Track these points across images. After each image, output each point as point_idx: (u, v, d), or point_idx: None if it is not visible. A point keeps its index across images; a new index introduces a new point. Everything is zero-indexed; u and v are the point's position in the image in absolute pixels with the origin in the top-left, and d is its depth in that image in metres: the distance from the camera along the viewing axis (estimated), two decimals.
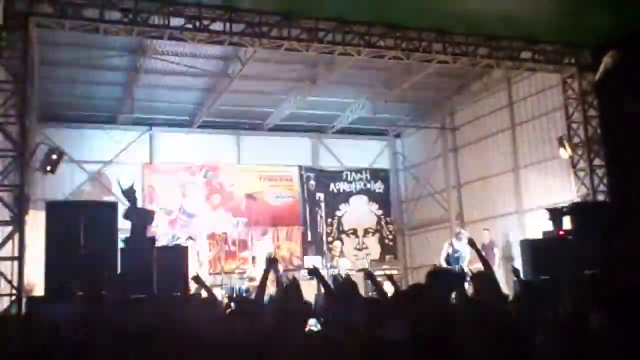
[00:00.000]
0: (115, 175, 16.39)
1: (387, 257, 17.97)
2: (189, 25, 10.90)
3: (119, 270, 9.44)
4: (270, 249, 15.59)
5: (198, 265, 13.75)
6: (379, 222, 19.24)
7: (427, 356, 3.24)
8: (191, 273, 9.86)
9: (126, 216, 10.66)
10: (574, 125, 13.59)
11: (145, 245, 10.15)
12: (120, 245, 9.95)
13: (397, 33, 12.14)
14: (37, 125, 13.96)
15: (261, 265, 13.55)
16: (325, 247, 17.49)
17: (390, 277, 6.66)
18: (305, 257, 17.11)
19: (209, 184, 17.45)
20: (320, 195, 18.55)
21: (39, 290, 9.74)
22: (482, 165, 16.89)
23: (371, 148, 19.91)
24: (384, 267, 15.75)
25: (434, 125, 18.55)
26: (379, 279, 5.99)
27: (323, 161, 19.17)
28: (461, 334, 3.43)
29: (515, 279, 7.31)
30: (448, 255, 14.04)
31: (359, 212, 19.06)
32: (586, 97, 13.44)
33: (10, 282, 9.17)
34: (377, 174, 19.50)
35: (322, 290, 5.25)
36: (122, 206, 11.05)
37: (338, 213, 18.81)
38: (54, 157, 13.55)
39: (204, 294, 6.64)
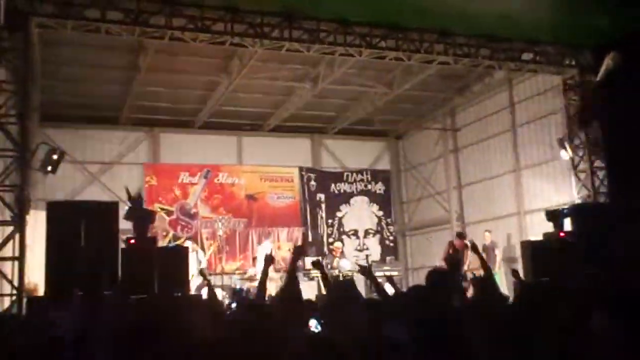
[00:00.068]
0: (116, 175, 16.47)
1: (388, 258, 17.95)
2: (191, 26, 10.91)
3: (119, 271, 9.44)
4: (271, 251, 15.59)
5: (198, 265, 13.74)
6: (379, 223, 19.24)
7: (428, 357, 3.23)
8: (191, 274, 9.87)
9: (127, 217, 10.66)
10: (575, 127, 13.58)
11: (146, 245, 10.15)
12: (121, 245, 9.95)
13: (399, 34, 12.14)
14: (38, 125, 13.97)
15: (261, 266, 13.54)
16: (325, 248, 17.51)
17: (390, 279, 6.65)
18: (306, 258, 17.09)
19: (210, 184, 17.46)
20: (321, 196, 18.57)
21: (41, 291, 9.74)
22: (483, 166, 16.89)
23: (372, 149, 19.93)
24: (385, 268, 15.74)
25: (435, 127, 18.54)
26: (379, 280, 5.97)
27: (324, 162, 19.19)
28: (462, 336, 3.42)
29: (515, 280, 7.31)
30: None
31: (360, 213, 19.07)
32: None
33: (10, 282, 9.18)
34: (378, 175, 19.51)
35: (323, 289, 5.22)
36: (123, 207, 11.06)
37: (339, 214, 18.82)
38: (55, 157, 13.51)
39: (204, 294, 6.66)
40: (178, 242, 16.10)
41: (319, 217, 18.47)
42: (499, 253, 14.68)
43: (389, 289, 5.92)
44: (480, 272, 5.85)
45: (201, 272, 6.74)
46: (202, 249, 16.12)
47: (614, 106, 12.41)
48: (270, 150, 18.15)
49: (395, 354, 3.32)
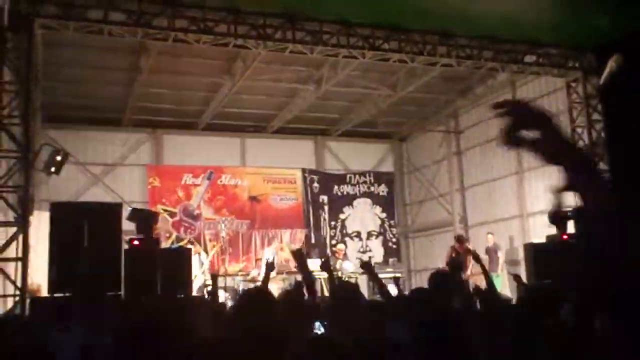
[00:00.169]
0: (119, 176, 16.50)
1: (391, 260, 17.92)
2: (193, 27, 10.91)
3: (122, 272, 9.44)
4: (273, 258, 15.58)
5: (200, 266, 13.74)
6: (382, 225, 19.22)
7: (429, 358, 3.23)
8: (194, 275, 9.86)
9: (130, 218, 10.66)
10: (578, 129, 13.58)
11: (149, 247, 10.15)
12: (124, 246, 9.96)
13: (402, 36, 12.13)
14: (41, 126, 13.99)
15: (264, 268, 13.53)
16: (328, 250, 17.49)
17: (396, 280, 6.68)
18: (308, 259, 17.07)
19: (213, 186, 17.47)
20: (324, 198, 18.56)
21: (44, 292, 9.74)
22: (486, 168, 16.87)
23: (375, 151, 19.92)
24: (388, 270, 15.72)
25: (439, 129, 18.54)
26: (384, 280, 5.96)
27: (327, 164, 19.19)
28: (464, 337, 3.42)
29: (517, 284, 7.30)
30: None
31: (363, 215, 19.06)
32: (590, 101, 13.42)
33: (14, 282, 9.18)
34: (381, 177, 19.49)
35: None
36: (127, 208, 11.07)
37: (342, 216, 18.81)
38: (59, 158, 13.56)
39: (206, 295, 6.67)
40: (181, 244, 16.12)
41: (322, 219, 18.46)
42: (501, 255, 14.65)
43: (393, 290, 5.92)
44: (482, 281, 5.83)
45: (213, 278, 6.74)
46: (205, 250, 16.13)
47: (618, 109, 12.38)
48: (274, 152, 18.15)
49: (396, 354, 3.32)
